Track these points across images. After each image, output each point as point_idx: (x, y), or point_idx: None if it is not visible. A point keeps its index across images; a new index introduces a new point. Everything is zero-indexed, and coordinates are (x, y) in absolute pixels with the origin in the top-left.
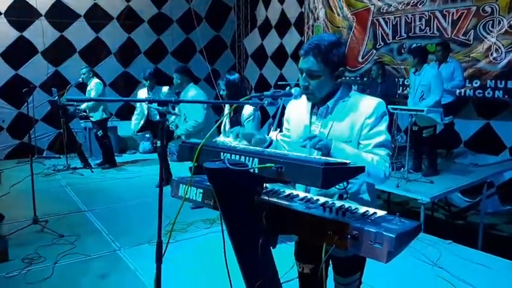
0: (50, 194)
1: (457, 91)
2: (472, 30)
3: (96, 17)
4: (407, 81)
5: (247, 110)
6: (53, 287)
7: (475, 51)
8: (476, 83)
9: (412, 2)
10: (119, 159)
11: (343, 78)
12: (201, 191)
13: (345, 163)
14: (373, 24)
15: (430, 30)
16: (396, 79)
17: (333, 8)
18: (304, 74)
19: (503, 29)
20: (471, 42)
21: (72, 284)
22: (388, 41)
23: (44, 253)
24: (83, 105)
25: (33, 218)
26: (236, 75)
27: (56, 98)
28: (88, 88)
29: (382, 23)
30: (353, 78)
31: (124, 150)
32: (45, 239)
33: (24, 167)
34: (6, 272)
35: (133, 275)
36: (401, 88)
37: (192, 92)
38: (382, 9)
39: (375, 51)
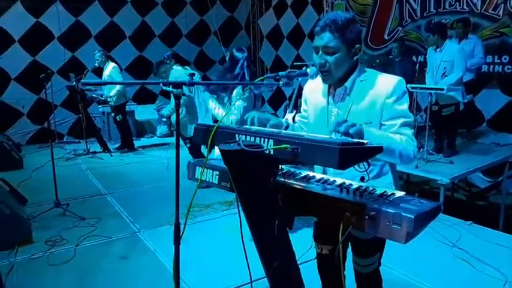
0: (71, 178)
1: (482, 67)
2: (502, 5)
3: (110, 1)
4: None
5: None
6: (75, 269)
7: (504, 26)
8: (505, 58)
9: None
10: (137, 143)
11: (362, 54)
12: (218, 173)
13: (363, 143)
14: (400, 0)
15: (459, 6)
16: (415, 57)
17: None
18: (320, 52)
19: None
20: (500, 17)
21: (93, 265)
22: (415, 18)
23: (66, 235)
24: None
25: (55, 201)
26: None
27: (74, 83)
28: (106, 73)
29: None
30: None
31: (142, 134)
32: (67, 221)
33: (45, 152)
34: (30, 254)
35: (153, 256)
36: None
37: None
38: None
39: (400, 29)
